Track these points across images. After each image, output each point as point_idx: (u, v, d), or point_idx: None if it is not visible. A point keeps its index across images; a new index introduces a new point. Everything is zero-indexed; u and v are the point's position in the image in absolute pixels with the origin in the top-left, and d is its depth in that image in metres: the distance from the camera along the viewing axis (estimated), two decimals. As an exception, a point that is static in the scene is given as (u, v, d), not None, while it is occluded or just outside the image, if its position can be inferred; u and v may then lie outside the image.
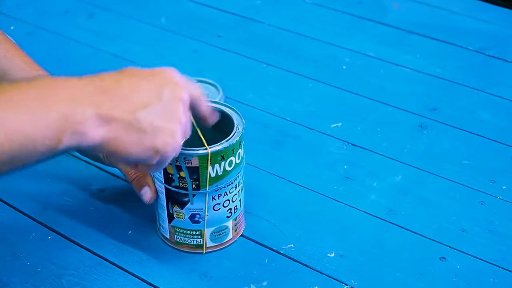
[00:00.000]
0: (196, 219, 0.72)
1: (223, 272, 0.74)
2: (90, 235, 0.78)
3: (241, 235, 0.78)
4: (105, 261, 0.75)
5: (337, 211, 0.81)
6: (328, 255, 0.75)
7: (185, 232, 0.74)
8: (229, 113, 0.73)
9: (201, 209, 0.71)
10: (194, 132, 0.71)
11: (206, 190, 0.70)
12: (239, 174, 0.72)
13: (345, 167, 0.86)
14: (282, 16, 1.14)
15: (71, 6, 1.18)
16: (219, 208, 0.72)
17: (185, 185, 0.69)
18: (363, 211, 0.81)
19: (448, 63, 1.03)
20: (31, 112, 0.51)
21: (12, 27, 1.12)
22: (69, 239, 0.77)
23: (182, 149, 0.64)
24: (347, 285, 0.72)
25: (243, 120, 0.72)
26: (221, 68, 1.06)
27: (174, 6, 1.19)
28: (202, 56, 1.09)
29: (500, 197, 0.82)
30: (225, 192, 0.71)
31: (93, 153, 0.76)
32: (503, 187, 0.83)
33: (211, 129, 0.70)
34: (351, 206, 0.81)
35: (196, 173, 0.68)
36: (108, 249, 0.76)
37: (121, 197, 0.83)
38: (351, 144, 0.90)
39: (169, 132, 0.59)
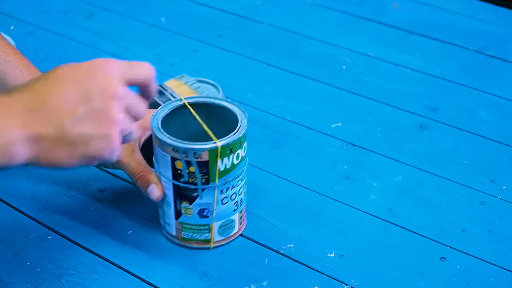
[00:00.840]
0: (205, 213, 0.72)
1: (223, 272, 0.74)
2: (90, 235, 0.78)
3: (241, 235, 0.78)
4: (105, 261, 0.75)
5: (337, 211, 0.81)
6: (328, 255, 0.75)
7: (193, 227, 0.74)
8: (230, 107, 0.73)
9: (209, 203, 0.71)
10: (198, 126, 0.71)
11: (215, 184, 0.70)
12: (244, 167, 0.73)
13: (345, 167, 0.86)
14: (282, 16, 1.14)
15: (71, 6, 1.18)
16: (227, 202, 0.73)
17: (194, 180, 0.69)
18: (363, 211, 0.81)
19: (448, 63, 1.03)
20: None
21: (12, 27, 1.12)
22: (69, 239, 0.77)
23: (192, 144, 0.66)
24: (347, 285, 0.72)
25: (246, 114, 0.72)
26: (221, 68, 1.06)
27: (174, 6, 1.19)
28: (202, 56, 1.09)
29: (500, 197, 0.82)
30: (233, 185, 0.72)
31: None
32: (503, 187, 0.83)
33: (212, 123, 0.71)
34: (351, 206, 0.81)
35: (206, 167, 0.68)
36: (108, 249, 0.76)
37: (121, 197, 0.83)
38: (351, 144, 0.90)
39: (101, 137, 0.56)
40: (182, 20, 1.16)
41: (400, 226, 0.79)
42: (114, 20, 1.17)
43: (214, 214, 0.73)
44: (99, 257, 0.76)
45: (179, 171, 0.69)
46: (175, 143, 0.68)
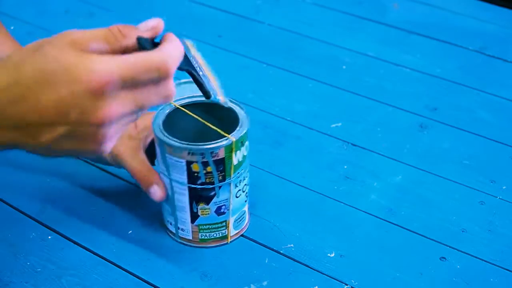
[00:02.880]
0: (222, 210, 0.73)
1: (223, 272, 0.74)
2: (90, 235, 0.78)
3: (242, 235, 0.78)
4: (105, 261, 0.75)
5: (337, 211, 0.81)
6: (328, 255, 0.76)
7: (210, 227, 0.74)
8: (222, 103, 0.71)
9: (226, 199, 0.72)
10: (194, 125, 0.71)
11: (230, 179, 0.71)
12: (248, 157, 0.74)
13: (345, 167, 0.86)
14: (282, 16, 1.14)
15: (71, 6, 1.18)
16: (240, 195, 0.74)
17: (211, 180, 0.70)
18: (363, 211, 0.81)
19: (448, 63, 1.03)
20: None
21: (12, 27, 1.11)
22: (69, 239, 0.78)
23: (207, 144, 0.67)
24: (347, 285, 0.72)
25: (241, 106, 0.73)
26: (221, 68, 1.06)
27: (174, 6, 1.19)
28: (202, 56, 1.09)
29: (500, 197, 0.82)
30: (244, 177, 0.73)
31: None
32: (503, 187, 0.83)
33: (208, 120, 0.71)
34: (351, 206, 0.81)
35: (222, 164, 0.69)
36: (108, 249, 0.76)
37: (121, 197, 0.83)
38: (351, 144, 0.90)
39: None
40: (182, 20, 1.16)
41: (400, 226, 0.79)
42: (114, 20, 1.16)
43: (231, 209, 0.73)
44: (99, 257, 0.76)
45: (195, 174, 0.69)
46: (191, 147, 0.67)
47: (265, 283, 0.73)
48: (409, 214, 0.80)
